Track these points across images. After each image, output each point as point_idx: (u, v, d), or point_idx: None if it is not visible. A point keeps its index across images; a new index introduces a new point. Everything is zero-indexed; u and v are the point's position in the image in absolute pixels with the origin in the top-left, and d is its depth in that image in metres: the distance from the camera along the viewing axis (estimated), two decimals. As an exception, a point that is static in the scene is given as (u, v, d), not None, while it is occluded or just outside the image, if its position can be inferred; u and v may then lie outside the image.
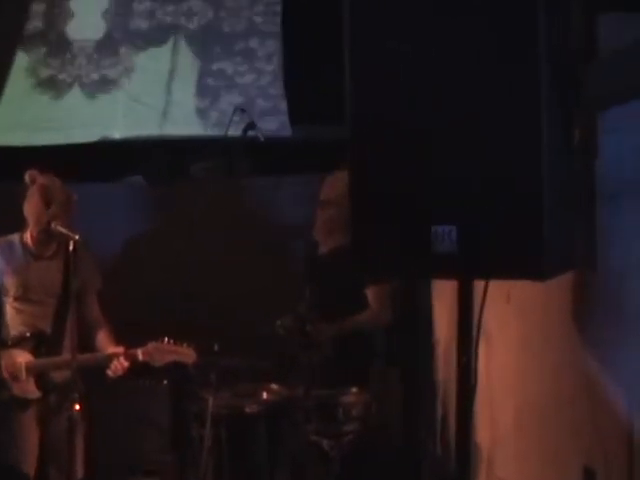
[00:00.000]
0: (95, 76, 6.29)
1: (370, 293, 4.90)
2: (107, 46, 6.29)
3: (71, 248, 4.49)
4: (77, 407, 4.45)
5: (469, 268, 2.80)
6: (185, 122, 6.12)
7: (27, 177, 4.83)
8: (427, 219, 2.79)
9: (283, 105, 5.97)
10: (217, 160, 5.99)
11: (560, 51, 2.81)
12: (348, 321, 4.83)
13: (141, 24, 6.25)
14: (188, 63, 6.17)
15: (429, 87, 2.79)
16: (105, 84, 6.30)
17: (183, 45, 6.18)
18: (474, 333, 2.98)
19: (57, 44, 6.31)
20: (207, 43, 6.15)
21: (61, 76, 6.28)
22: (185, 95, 6.16)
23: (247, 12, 6.15)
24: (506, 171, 2.72)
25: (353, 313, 4.86)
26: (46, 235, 4.76)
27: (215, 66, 6.13)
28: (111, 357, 4.68)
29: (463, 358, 2.95)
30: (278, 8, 6.07)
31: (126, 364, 4.65)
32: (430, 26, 2.78)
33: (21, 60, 6.29)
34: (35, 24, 6.32)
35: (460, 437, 3.05)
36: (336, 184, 4.89)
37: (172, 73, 6.15)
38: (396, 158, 2.85)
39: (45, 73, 6.30)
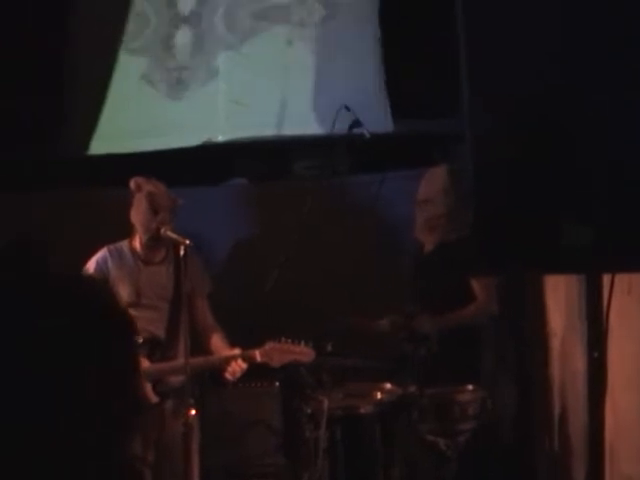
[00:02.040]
0: (196, 77, 6.36)
1: (476, 284, 4.90)
2: (207, 45, 6.35)
3: (182, 253, 4.58)
4: (192, 412, 4.52)
5: (599, 261, 2.82)
6: (299, 122, 6.14)
7: (132, 184, 4.91)
8: (556, 212, 2.80)
9: (385, 100, 5.97)
10: (320, 159, 6.03)
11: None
12: (454, 314, 4.84)
13: (247, 21, 6.31)
14: (300, 60, 6.22)
15: (555, 78, 2.79)
16: (207, 85, 6.35)
17: (295, 42, 6.23)
18: (604, 327, 2.98)
19: (160, 47, 6.39)
20: (317, 39, 6.18)
21: (162, 79, 6.36)
22: (297, 93, 6.20)
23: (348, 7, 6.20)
24: (635, 163, 2.74)
25: (459, 307, 4.87)
26: (156, 241, 4.86)
27: (323, 62, 6.16)
28: (228, 359, 4.72)
29: (594, 353, 2.97)
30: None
31: (244, 366, 4.68)
32: (553, 15, 2.78)
33: (124, 65, 6.39)
34: (138, 26, 6.42)
35: (592, 433, 3.09)
36: (433, 181, 4.99)
37: (282, 71, 6.21)
38: (522, 151, 2.86)
39: (147, 77, 6.37)
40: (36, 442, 1.28)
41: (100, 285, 1.49)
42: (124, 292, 4.81)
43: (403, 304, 4.87)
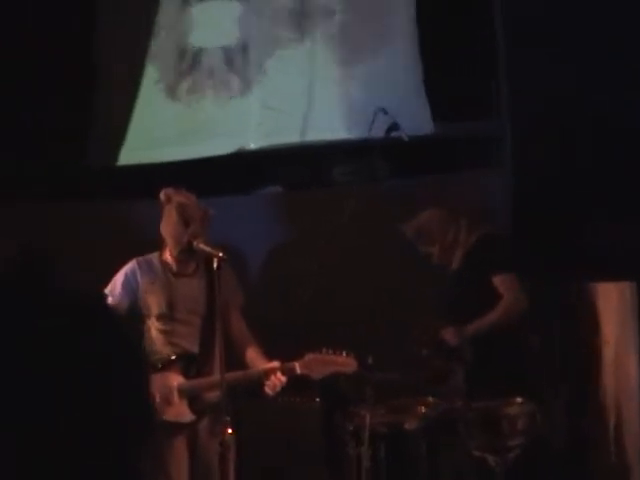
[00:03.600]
0: (226, 85, 6.36)
1: (500, 283, 4.89)
2: (237, 52, 6.35)
3: (215, 266, 4.53)
4: (229, 431, 4.44)
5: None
6: (328, 126, 6.11)
7: (162, 196, 4.88)
8: (600, 215, 2.78)
9: (424, 101, 5.93)
10: (357, 164, 6.02)
11: None
12: (482, 320, 4.84)
13: (275, 27, 6.32)
14: (327, 64, 6.19)
15: (595, 77, 2.77)
16: (237, 92, 6.36)
17: (321, 46, 6.21)
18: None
19: (186, 54, 6.40)
20: (345, 42, 6.16)
21: (191, 88, 6.37)
22: (326, 98, 6.17)
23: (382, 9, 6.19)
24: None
25: (486, 311, 4.87)
26: (187, 254, 4.82)
27: (354, 66, 6.13)
28: (267, 373, 4.65)
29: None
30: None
31: (284, 379, 4.61)
32: (594, 14, 2.76)
33: (151, 74, 6.41)
34: (161, 35, 6.43)
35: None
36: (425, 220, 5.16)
37: (311, 75, 6.18)
38: (562, 152, 2.86)
39: (175, 85, 6.39)
40: (36, 442, 1.30)
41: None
42: (155, 305, 4.80)
43: (429, 318, 4.91)
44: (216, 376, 4.63)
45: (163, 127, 6.33)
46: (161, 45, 6.39)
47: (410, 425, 4.55)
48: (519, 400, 4.49)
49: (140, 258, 4.93)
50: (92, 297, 1.43)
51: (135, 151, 6.30)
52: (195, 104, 6.35)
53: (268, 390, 4.65)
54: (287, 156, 6.20)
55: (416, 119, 5.84)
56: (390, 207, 5.51)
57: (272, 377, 4.62)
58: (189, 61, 6.37)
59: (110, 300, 4.70)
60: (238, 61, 6.35)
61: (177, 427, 4.68)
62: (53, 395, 1.31)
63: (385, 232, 5.42)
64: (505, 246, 4.91)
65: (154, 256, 4.93)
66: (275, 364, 4.67)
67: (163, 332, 4.79)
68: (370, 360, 4.57)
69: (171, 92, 6.37)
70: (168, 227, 4.86)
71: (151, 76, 6.37)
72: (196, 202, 4.87)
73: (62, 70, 6.05)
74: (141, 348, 1.49)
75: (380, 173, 5.92)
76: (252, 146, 6.29)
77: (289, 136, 6.21)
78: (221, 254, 4.54)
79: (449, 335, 4.79)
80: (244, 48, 6.33)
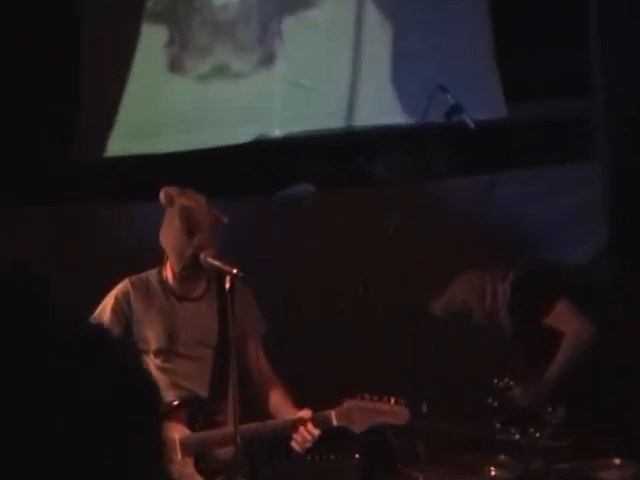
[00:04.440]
0: (244, 53, 6.37)
1: (555, 320, 5.14)
2: (255, 13, 6.35)
3: (227, 286, 4.46)
4: (243, 495, 4.48)
5: None
6: (375, 109, 6.12)
7: (162, 197, 4.83)
8: None
9: (495, 79, 5.93)
10: (409, 156, 5.93)
11: None
12: (552, 367, 5.06)
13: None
14: (375, 30, 6.16)
15: None
16: (257, 64, 6.36)
17: (370, 5, 6.17)
18: None
19: (189, 20, 6.42)
20: (399, 5, 6.15)
21: (199, 56, 6.38)
22: (374, 73, 6.15)
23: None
24: None
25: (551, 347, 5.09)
26: (193, 271, 4.76)
27: (408, 35, 6.10)
28: (295, 424, 4.62)
29: None
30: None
31: (316, 432, 4.60)
32: None
33: (151, 38, 6.44)
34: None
35: None
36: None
37: (355, 45, 6.14)
38: None
39: (180, 56, 6.39)
40: (36, 442, 1.44)
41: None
42: (153, 337, 4.77)
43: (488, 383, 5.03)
44: (230, 427, 4.59)
45: (163, 108, 6.36)
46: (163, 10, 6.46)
47: (477, 490, 4.66)
48: (617, 462, 4.54)
49: (134, 277, 4.87)
50: (81, 326, 1.55)
51: (127, 140, 6.32)
52: (203, 80, 6.38)
53: (296, 445, 4.62)
54: (320, 146, 6.22)
55: (485, 100, 5.86)
56: (455, 210, 5.58)
57: (301, 429, 4.59)
58: (195, 29, 6.43)
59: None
60: (255, 25, 6.37)
61: (181, 490, 4.69)
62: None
63: (450, 240, 5.53)
64: (542, 274, 5.31)
65: (152, 274, 4.88)
66: (305, 413, 4.64)
67: (163, 371, 4.73)
68: (424, 408, 4.63)
69: (175, 64, 6.42)
70: (169, 236, 4.79)
71: (147, 42, 6.44)
72: (205, 205, 4.81)
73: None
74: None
75: (439, 168, 5.92)
76: (277, 133, 6.28)
77: (323, 120, 6.23)
78: (235, 270, 4.47)
79: (517, 396, 4.92)
80: (264, 8, 6.37)
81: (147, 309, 4.81)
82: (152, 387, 1.57)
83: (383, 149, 6.19)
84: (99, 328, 1.63)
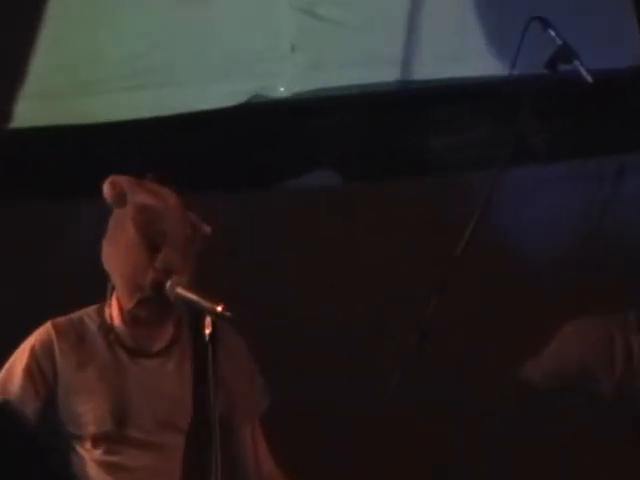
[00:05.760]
0: None
1: None
2: None
3: (207, 332, 4.31)
4: None
5: None
6: (435, 56, 6.17)
7: (108, 189, 4.72)
8: None
9: (626, 9, 5.96)
10: (484, 127, 6.13)
11: None
12: None
13: None
14: None
15: None
16: None
17: None
18: None
19: None
20: None
21: None
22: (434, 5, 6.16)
23: None
24: None
25: None
26: (154, 308, 4.64)
27: None
28: None
29: None
30: None
31: None
32: None
33: None
34: None
35: None
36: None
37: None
38: None
39: None
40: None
41: None
42: (90, 415, 4.65)
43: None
44: None
45: (101, 51, 6.30)
46: None
47: None
48: None
49: (63, 320, 4.77)
50: None
51: (46, 102, 6.32)
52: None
53: None
54: (349, 113, 6.26)
55: (614, 42, 5.97)
56: (555, 207, 5.87)
57: None
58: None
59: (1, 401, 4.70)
60: None
61: None
62: None
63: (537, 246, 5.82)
64: None
65: (89, 315, 4.78)
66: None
67: (107, 468, 4.66)
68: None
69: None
70: (117, 254, 4.69)
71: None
72: (176, 205, 4.69)
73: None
74: None
75: (536, 146, 5.96)
76: (281, 91, 6.33)
77: (355, 72, 6.23)
78: (220, 308, 4.31)
79: None
80: None
81: (81, 369, 4.68)
82: None
83: (451, 118, 6.17)
84: None
